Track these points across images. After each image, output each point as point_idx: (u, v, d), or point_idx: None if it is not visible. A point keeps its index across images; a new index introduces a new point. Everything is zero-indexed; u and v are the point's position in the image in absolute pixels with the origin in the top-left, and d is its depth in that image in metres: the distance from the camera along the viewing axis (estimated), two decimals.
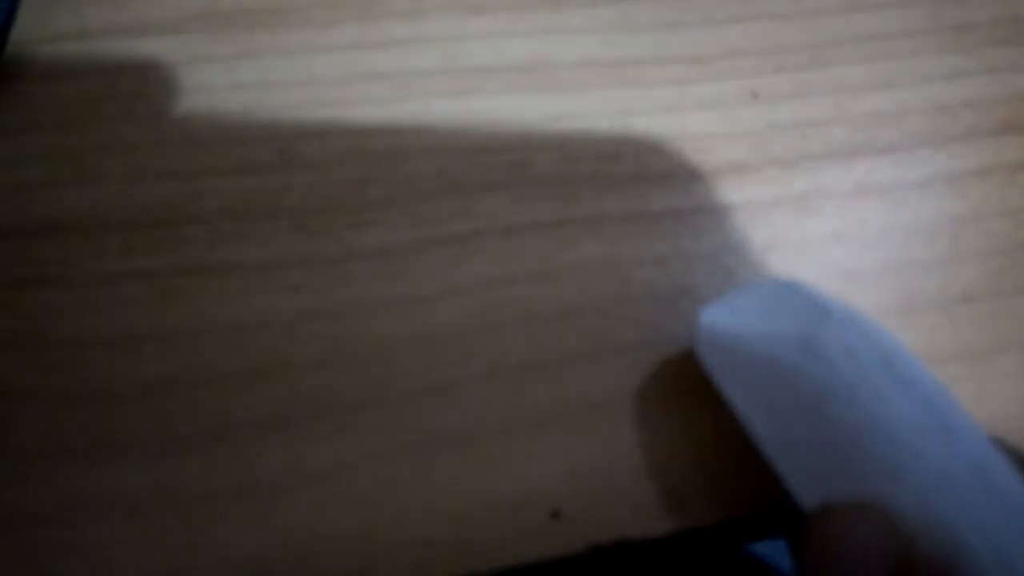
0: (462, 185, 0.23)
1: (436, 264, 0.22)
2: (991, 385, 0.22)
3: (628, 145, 0.25)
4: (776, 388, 0.18)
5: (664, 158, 0.24)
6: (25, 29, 0.25)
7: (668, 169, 0.24)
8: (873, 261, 0.23)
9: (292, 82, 0.25)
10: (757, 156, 0.25)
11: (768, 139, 0.25)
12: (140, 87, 0.24)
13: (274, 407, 0.20)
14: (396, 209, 0.23)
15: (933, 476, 0.15)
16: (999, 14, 0.29)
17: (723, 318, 0.20)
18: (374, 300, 0.21)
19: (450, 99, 0.25)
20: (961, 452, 0.16)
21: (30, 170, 0.22)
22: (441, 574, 0.18)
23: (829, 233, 0.24)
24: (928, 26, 0.28)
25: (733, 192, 0.24)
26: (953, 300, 0.23)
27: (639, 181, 0.24)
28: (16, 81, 0.24)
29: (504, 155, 0.24)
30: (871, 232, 0.24)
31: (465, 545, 0.18)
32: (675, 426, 0.20)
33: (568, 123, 0.25)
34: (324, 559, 0.18)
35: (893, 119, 0.26)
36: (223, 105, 0.24)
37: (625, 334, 0.21)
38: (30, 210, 0.22)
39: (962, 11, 0.29)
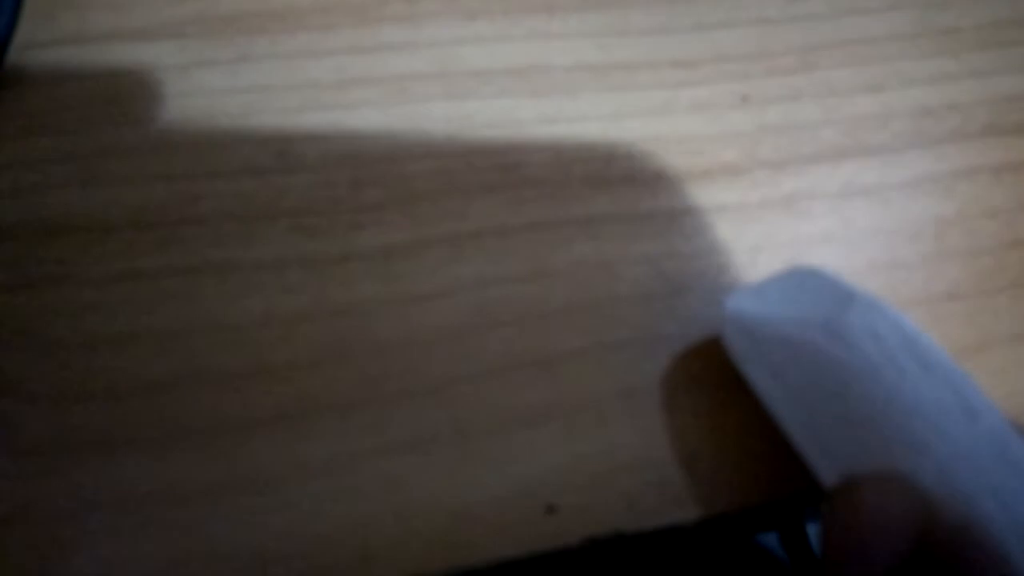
0: (458, 187, 0.24)
1: (433, 264, 0.22)
2: (976, 381, 0.22)
3: (621, 147, 0.25)
4: (803, 370, 0.19)
5: (656, 160, 0.25)
6: (27, 33, 0.25)
7: (660, 171, 0.25)
8: (861, 261, 0.24)
9: (290, 86, 0.25)
10: (747, 158, 0.25)
11: (758, 141, 0.26)
12: (140, 91, 0.25)
13: (273, 404, 0.20)
14: (393, 210, 0.23)
15: (955, 452, 0.16)
16: (983, 19, 0.29)
17: (748, 304, 0.20)
18: (372, 299, 0.22)
19: (446, 102, 0.25)
20: (982, 430, 0.16)
21: (33, 172, 0.23)
22: (438, 566, 0.18)
23: (817, 233, 0.24)
24: (914, 30, 0.29)
25: (723, 193, 0.25)
26: (939, 298, 0.24)
27: (631, 183, 0.24)
28: (18, 85, 0.24)
29: (499, 157, 0.24)
30: (858, 232, 0.24)
31: (462, 538, 0.19)
32: (667, 421, 0.21)
33: (562, 126, 0.25)
34: (323, 551, 0.18)
35: (880, 121, 0.27)
36: (222, 108, 0.25)
37: (618, 332, 0.22)
38: (33, 212, 0.22)
39: (947, 16, 0.29)
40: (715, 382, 0.21)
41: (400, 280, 0.22)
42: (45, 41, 0.25)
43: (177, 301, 0.21)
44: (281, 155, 0.24)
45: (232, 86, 0.25)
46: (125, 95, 0.25)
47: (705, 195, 0.24)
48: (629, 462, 0.20)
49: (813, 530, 0.35)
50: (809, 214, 0.25)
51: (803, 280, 0.20)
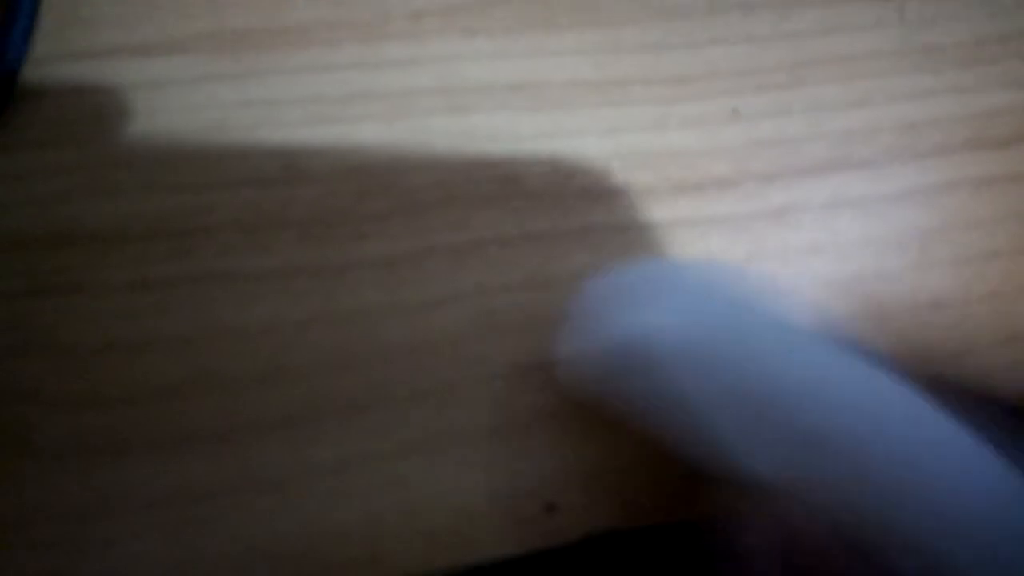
0: (459, 198, 0.25)
1: (435, 272, 0.23)
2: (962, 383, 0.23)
3: (616, 161, 0.26)
4: (708, 375, 0.17)
5: (650, 173, 0.26)
6: (41, 48, 0.26)
7: (653, 184, 0.26)
8: (848, 270, 0.25)
9: (296, 100, 0.26)
10: (738, 171, 0.26)
11: (748, 155, 0.27)
12: (150, 104, 0.25)
13: (281, 408, 0.21)
14: (396, 221, 0.24)
15: (868, 427, 0.16)
16: (965, 36, 0.30)
17: (627, 323, 0.19)
18: (376, 307, 0.22)
19: (447, 117, 0.26)
20: (892, 400, 0.16)
21: (47, 184, 0.23)
22: (443, 562, 0.19)
23: (806, 244, 0.25)
24: (899, 48, 0.30)
25: (715, 206, 0.25)
26: (923, 306, 0.24)
27: (626, 195, 0.25)
28: (31, 98, 0.25)
29: (499, 169, 0.25)
30: (846, 243, 0.25)
31: (465, 536, 0.19)
32: None
33: (559, 140, 0.26)
34: (331, 549, 0.19)
35: (866, 136, 0.27)
36: (229, 121, 0.25)
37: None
38: (47, 222, 0.23)
39: (931, 33, 0.30)
40: None
41: (404, 288, 0.23)
42: (56, 56, 0.26)
43: (188, 308, 0.22)
44: (287, 167, 0.24)
45: (239, 100, 0.26)
46: (135, 108, 0.25)
47: (697, 207, 0.25)
48: (627, 461, 0.21)
49: None
50: (798, 225, 0.25)
51: (679, 278, 0.20)
